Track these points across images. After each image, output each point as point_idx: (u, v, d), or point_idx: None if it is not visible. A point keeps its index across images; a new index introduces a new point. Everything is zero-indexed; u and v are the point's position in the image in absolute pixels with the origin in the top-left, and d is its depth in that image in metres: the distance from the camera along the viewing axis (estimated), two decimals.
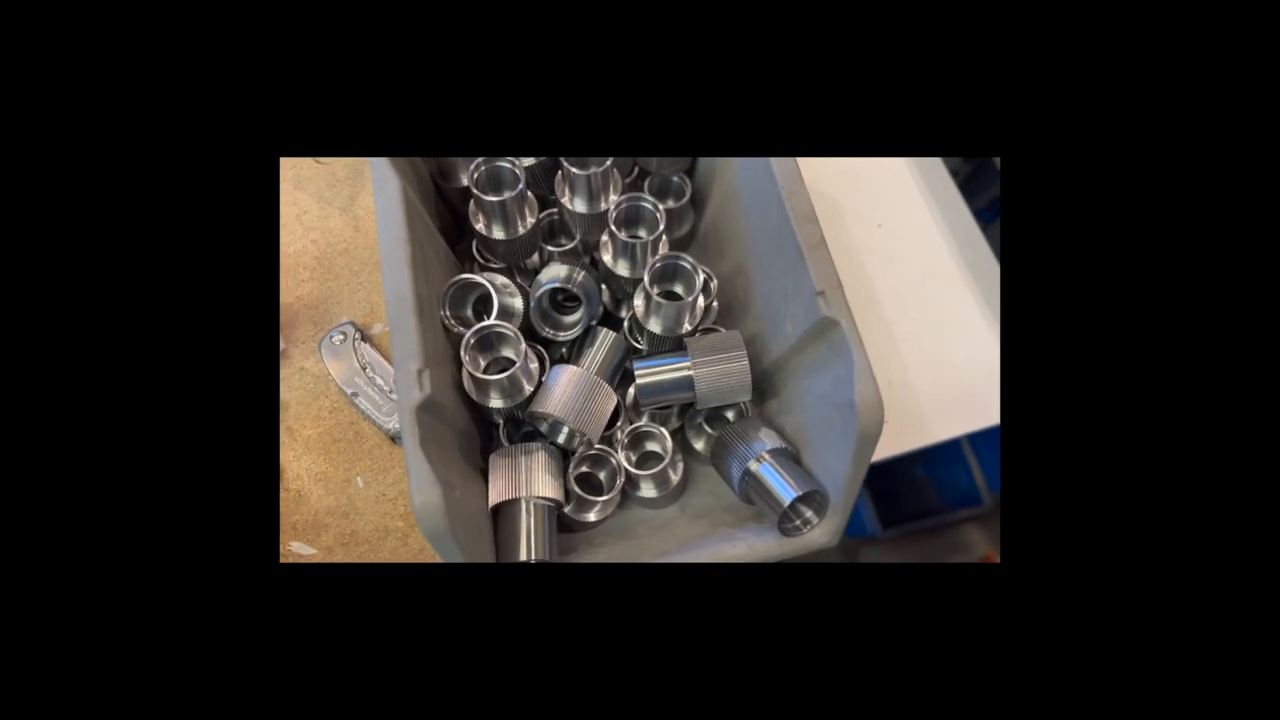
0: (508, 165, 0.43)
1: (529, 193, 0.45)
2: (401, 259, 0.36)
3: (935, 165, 0.65)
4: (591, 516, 0.45)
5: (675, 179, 0.53)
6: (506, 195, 0.43)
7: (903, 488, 0.97)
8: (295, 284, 0.55)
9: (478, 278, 0.41)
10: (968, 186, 0.71)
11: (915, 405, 0.57)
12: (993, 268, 0.60)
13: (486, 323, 0.39)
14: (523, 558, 0.39)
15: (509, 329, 0.40)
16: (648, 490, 0.46)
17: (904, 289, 0.60)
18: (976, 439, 0.88)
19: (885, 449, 0.56)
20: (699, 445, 0.50)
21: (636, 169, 0.53)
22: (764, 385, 0.48)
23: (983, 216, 0.69)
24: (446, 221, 0.50)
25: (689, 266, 0.42)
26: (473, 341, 0.39)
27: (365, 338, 0.53)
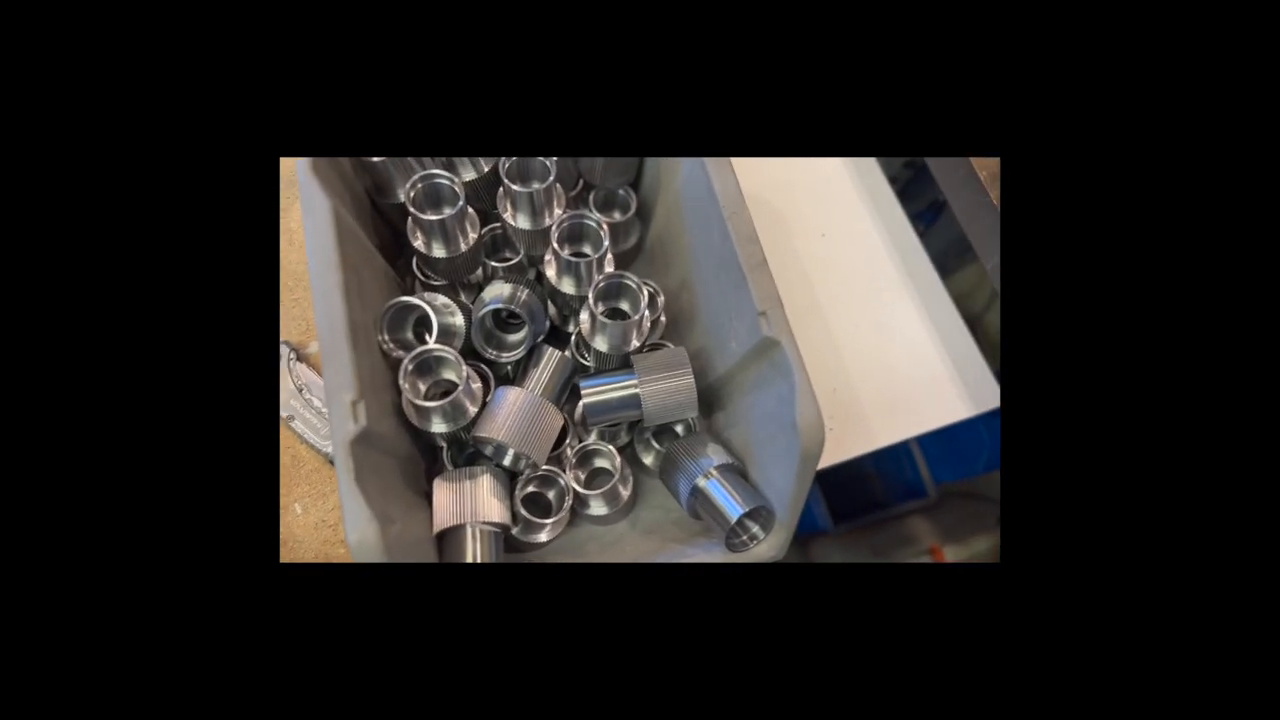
0: (446, 181, 0.42)
1: (469, 208, 0.44)
2: (333, 285, 0.35)
3: (874, 173, 0.66)
4: (541, 537, 0.44)
5: (620, 192, 0.52)
6: (446, 213, 0.42)
7: (852, 482, 0.99)
8: None
9: (415, 300, 0.40)
10: (906, 192, 0.73)
11: (859, 411, 0.59)
12: (929, 273, 0.62)
13: (425, 347, 0.38)
14: None
15: (449, 352, 0.39)
16: (597, 508, 0.46)
17: (846, 296, 0.62)
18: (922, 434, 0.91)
19: (831, 456, 0.57)
20: (648, 460, 0.50)
21: (581, 182, 0.52)
22: (711, 399, 0.48)
23: (923, 219, 0.71)
24: (385, 238, 0.49)
25: (634, 285, 0.42)
26: (411, 367, 0.38)
27: (300, 357, 0.51)
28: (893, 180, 0.67)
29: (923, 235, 0.64)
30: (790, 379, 0.36)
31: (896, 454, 0.96)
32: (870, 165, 0.67)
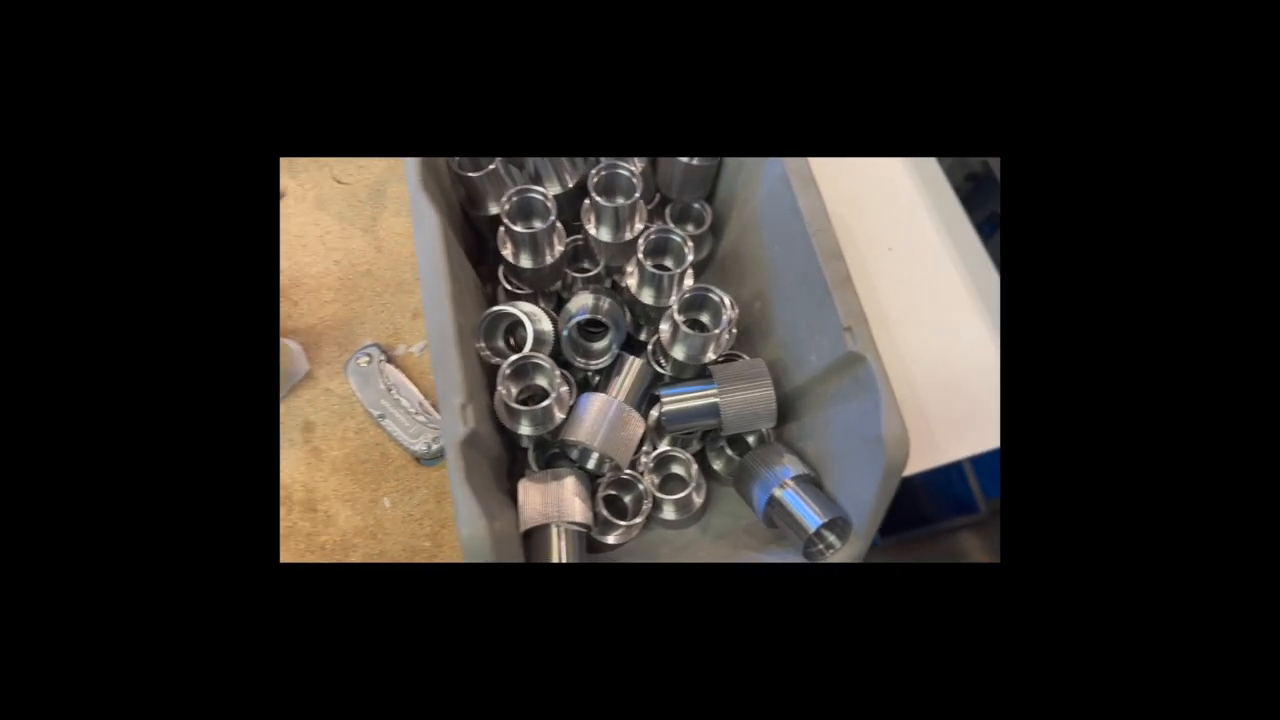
0: (539, 196, 0.44)
1: (558, 222, 0.46)
2: (443, 294, 0.37)
3: (941, 185, 0.66)
4: (616, 539, 0.46)
5: (695, 206, 0.54)
6: (538, 226, 0.44)
7: (901, 495, 0.99)
8: (319, 305, 0.56)
9: (512, 309, 0.42)
10: (967, 203, 0.73)
11: (925, 426, 0.59)
12: (997, 287, 0.62)
13: (524, 354, 0.40)
14: None
15: (545, 360, 0.41)
16: (670, 513, 0.47)
17: (913, 310, 0.62)
18: None
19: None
20: (719, 466, 0.51)
21: (658, 197, 0.54)
22: (785, 410, 0.49)
23: (983, 231, 0.71)
24: (470, 244, 0.51)
25: (717, 299, 0.44)
26: (509, 371, 0.40)
27: (390, 359, 0.54)
28: (957, 190, 0.67)
29: (984, 248, 0.64)
30: (875, 394, 0.37)
31: (946, 468, 0.95)
32: (937, 177, 0.67)
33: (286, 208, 0.60)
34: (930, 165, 0.68)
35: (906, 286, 0.63)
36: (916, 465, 0.57)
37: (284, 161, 0.61)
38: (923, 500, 0.99)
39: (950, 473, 0.96)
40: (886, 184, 0.66)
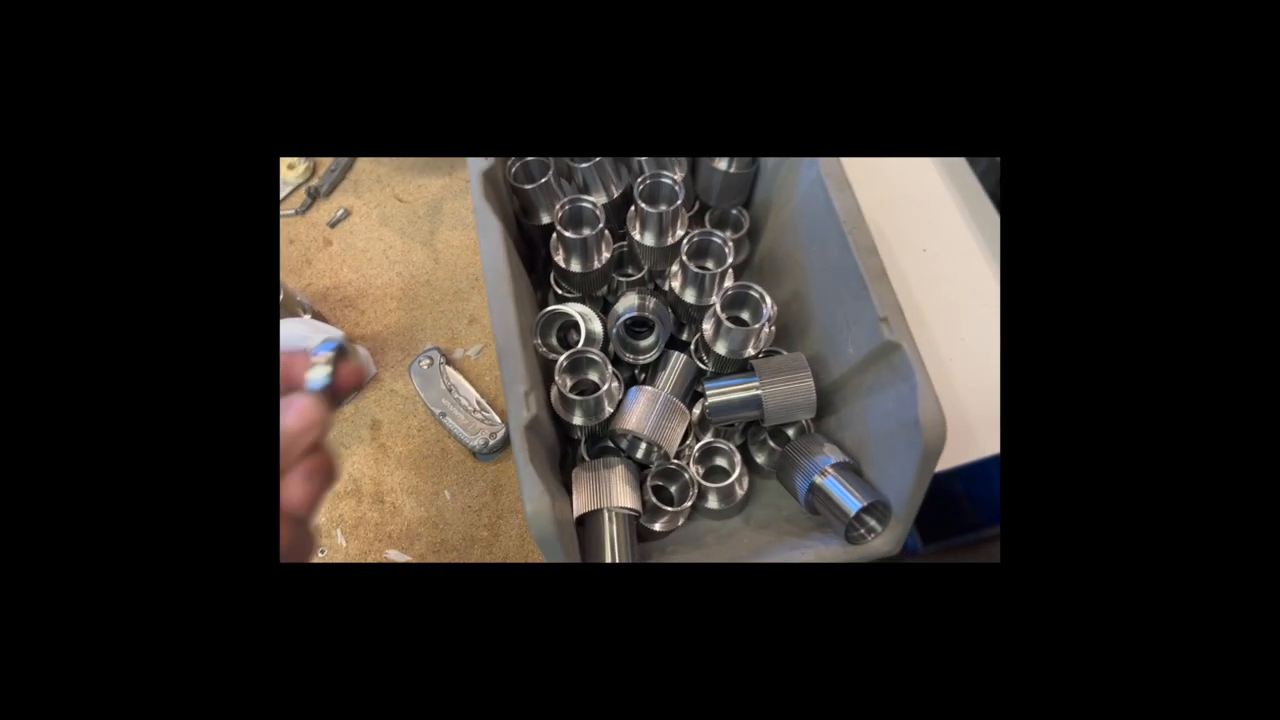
0: (589, 205, 0.48)
1: (606, 230, 0.50)
2: (506, 293, 0.40)
3: (975, 189, 0.68)
4: (660, 526, 0.48)
5: (734, 212, 0.57)
6: (587, 233, 0.47)
7: (942, 503, 0.98)
8: (384, 313, 0.60)
9: (567, 309, 0.46)
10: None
11: (963, 421, 0.60)
12: None
13: (579, 349, 0.43)
14: (609, 562, 0.43)
15: (598, 355, 0.44)
16: (714, 503, 0.50)
17: (949, 310, 0.63)
18: None
19: (938, 462, 0.58)
20: (761, 459, 0.53)
21: (698, 204, 0.57)
22: (824, 403, 0.51)
23: None
24: (522, 253, 0.55)
25: (757, 295, 0.46)
26: (565, 364, 0.43)
27: (449, 362, 0.58)
28: (991, 195, 0.69)
29: None
30: (911, 379, 0.39)
31: (986, 476, 0.95)
32: (969, 179, 0.69)
33: (352, 225, 0.65)
34: (961, 167, 0.70)
35: (941, 286, 0.64)
36: (955, 459, 0.58)
37: (349, 182, 0.67)
38: (964, 508, 0.99)
39: (990, 481, 0.96)
40: (919, 187, 0.68)
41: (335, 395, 0.28)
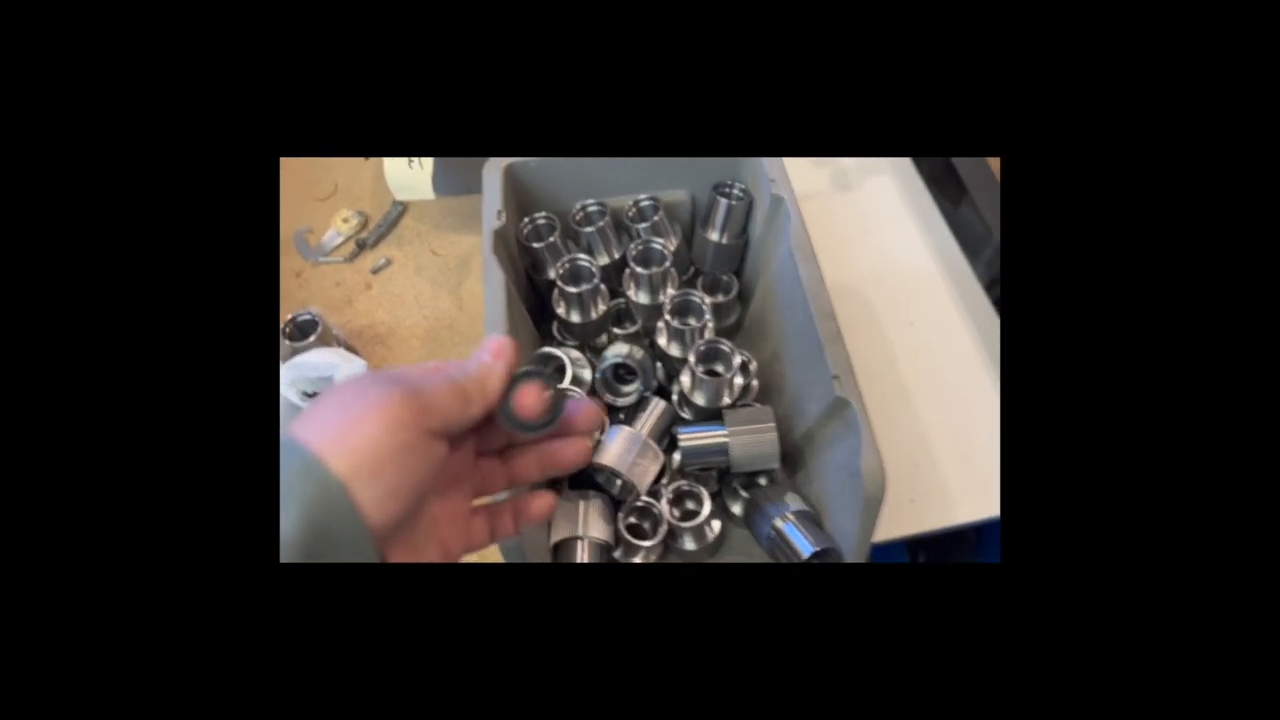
0: (585, 263, 0.54)
1: (602, 285, 0.56)
2: (502, 334, 0.46)
3: (960, 263, 0.72)
4: (637, 560, 0.52)
5: (724, 278, 0.62)
6: (584, 287, 0.54)
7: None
8: (408, 350, 0.67)
9: (556, 350, 0.51)
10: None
11: (941, 488, 0.62)
12: None
13: (563, 387, 0.49)
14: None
15: (579, 393, 0.49)
16: (687, 543, 0.53)
17: (932, 380, 0.66)
18: None
19: (914, 526, 0.60)
20: (735, 508, 0.56)
21: (692, 269, 0.63)
22: (794, 457, 0.55)
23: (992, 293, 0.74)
24: (534, 305, 0.61)
25: (727, 350, 0.51)
26: None
27: None
28: (986, 286, 0.72)
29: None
30: (858, 433, 0.43)
31: (969, 543, 0.93)
32: (957, 258, 0.73)
33: (392, 273, 0.73)
34: (949, 243, 0.74)
35: (926, 358, 0.68)
36: (933, 523, 0.60)
37: (394, 235, 0.76)
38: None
39: (976, 552, 0.94)
40: (907, 260, 0.73)
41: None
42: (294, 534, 0.22)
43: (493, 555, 0.57)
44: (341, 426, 0.24)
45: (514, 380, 0.30)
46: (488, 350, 0.30)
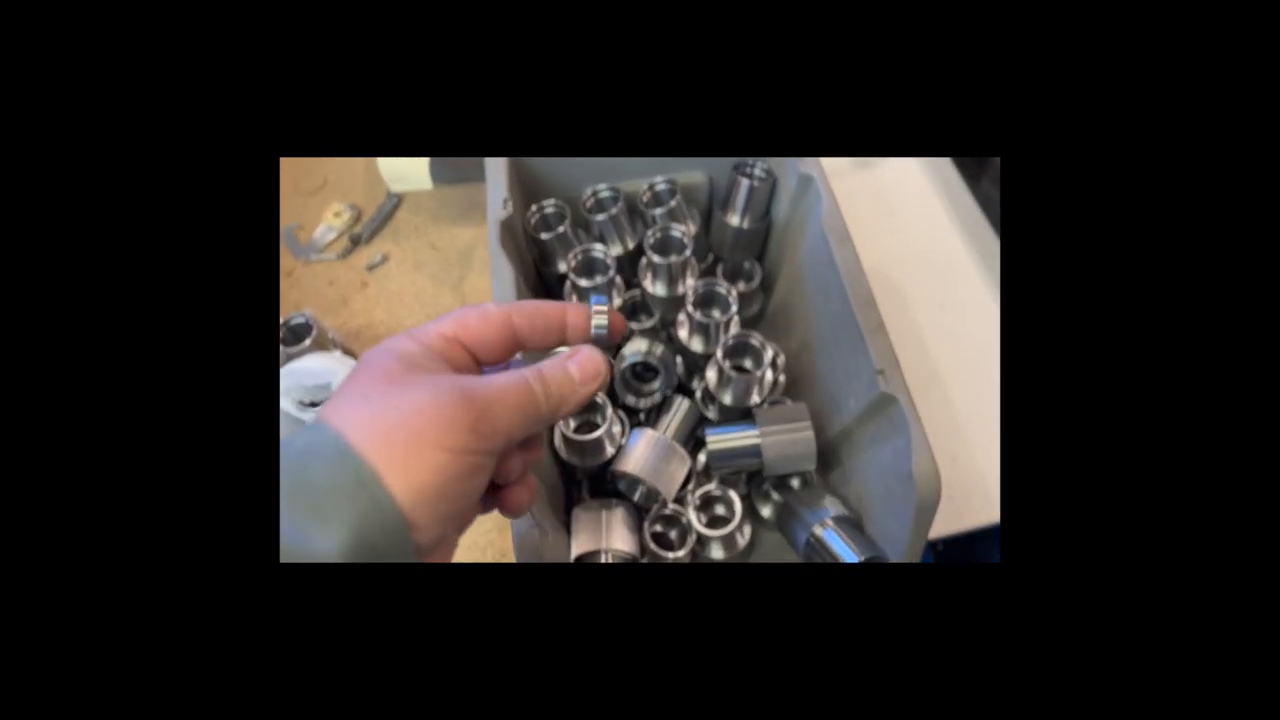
0: (599, 254, 0.50)
1: (617, 278, 0.52)
2: None
3: (992, 244, 0.68)
4: None
5: (746, 264, 0.58)
6: (598, 280, 0.50)
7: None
8: None
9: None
10: None
11: (980, 482, 0.58)
12: None
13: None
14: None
15: (600, 397, 0.45)
16: (716, 551, 0.49)
17: (967, 367, 0.63)
18: None
19: (951, 525, 0.57)
20: (765, 512, 0.53)
21: (712, 257, 0.59)
22: (828, 456, 0.51)
23: None
24: (542, 298, 0.57)
25: (757, 344, 0.47)
26: None
27: None
28: None
29: None
30: (906, 433, 0.39)
31: None
32: (988, 236, 0.69)
33: (389, 269, 0.69)
34: (980, 221, 0.70)
35: (958, 343, 0.64)
36: (973, 521, 0.56)
37: (389, 230, 0.71)
38: None
39: None
40: (937, 244, 0.69)
41: (608, 345, 0.30)
42: (340, 549, 0.20)
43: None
44: (402, 441, 0.22)
45: (602, 304, 0.30)
46: (575, 364, 0.27)
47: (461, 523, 0.27)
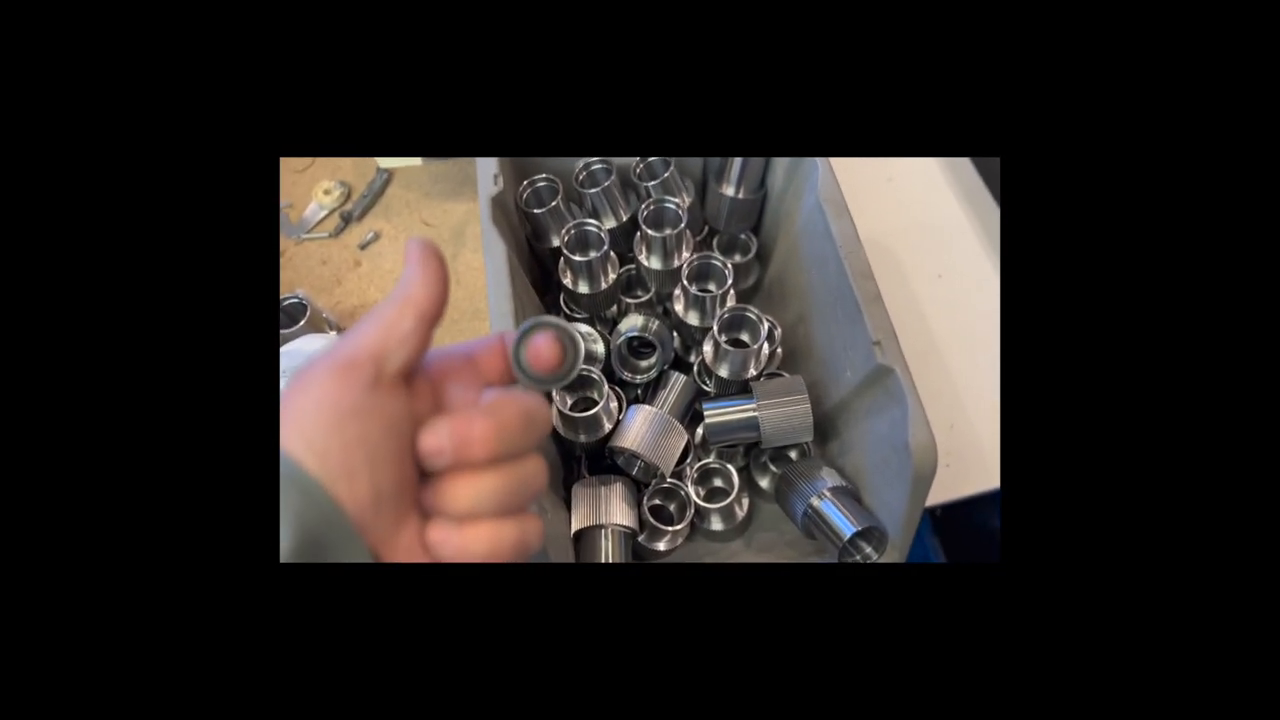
0: (594, 228, 0.50)
1: (611, 252, 0.51)
2: (506, 312, 0.42)
3: (991, 214, 0.67)
4: (662, 546, 0.49)
5: (741, 236, 0.58)
6: (593, 255, 0.49)
7: (977, 541, 0.95)
8: None
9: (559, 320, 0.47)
10: None
11: (977, 449, 0.59)
12: None
13: (578, 333, 0.45)
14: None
15: (595, 373, 0.45)
16: (715, 523, 0.50)
17: (964, 336, 0.62)
18: None
19: (949, 491, 0.57)
20: (764, 483, 0.53)
21: (706, 228, 0.58)
22: (825, 427, 0.51)
23: None
24: (536, 276, 0.57)
25: (754, 317, 0.47)
26: None
27: None
28: None
29: None
30: (903, 404, 0.39)
31: None
32: (988, 204, 0.68)
33: (381, 247, 0.68)
34: (979, 188, 0.69)
35: (956, 312, 0.63)
36: (969, 488, 0.57)
37: (380, 206, 0.70)
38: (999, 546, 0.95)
39: None
40: (935, 212, 0.68)
41: (552, 377, 0.27)
42: (291, 548, 0.21)
43: None
44: (298, 418, 0.22)
45: (526, 330, 0.27)
46: (409, 258, 0.25)
47: (394, 471, 0.24)
